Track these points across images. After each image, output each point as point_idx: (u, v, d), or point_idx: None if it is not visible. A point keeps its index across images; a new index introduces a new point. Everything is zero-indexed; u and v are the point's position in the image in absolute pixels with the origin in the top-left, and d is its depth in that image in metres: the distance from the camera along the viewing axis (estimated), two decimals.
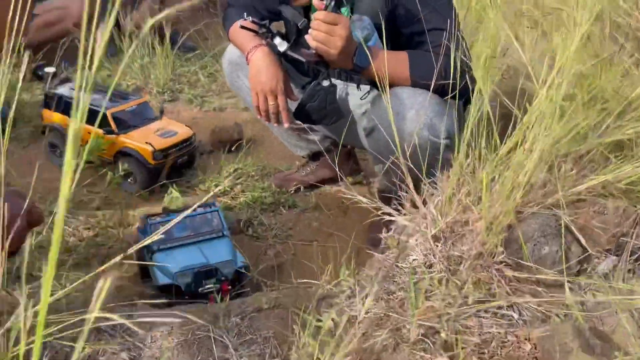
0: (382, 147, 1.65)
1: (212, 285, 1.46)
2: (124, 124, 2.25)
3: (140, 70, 3.25)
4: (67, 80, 2.82)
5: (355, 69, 1.58)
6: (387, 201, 2.01)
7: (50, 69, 2.95)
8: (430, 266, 1.16)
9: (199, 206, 1.73)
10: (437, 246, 1.18)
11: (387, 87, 1.41)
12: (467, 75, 1.54)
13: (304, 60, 1.51)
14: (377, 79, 1.62)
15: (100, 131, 2.19)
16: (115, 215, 2.01)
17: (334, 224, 2.10)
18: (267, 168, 2.43)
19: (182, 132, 2.29)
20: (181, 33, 3.43)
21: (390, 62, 1.53)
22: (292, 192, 2.25)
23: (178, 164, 2.26)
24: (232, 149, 2.57)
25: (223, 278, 1.48)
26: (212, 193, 2.22)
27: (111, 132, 2.20)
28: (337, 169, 2.25)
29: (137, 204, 2.14)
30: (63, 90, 2.39)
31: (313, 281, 1.20)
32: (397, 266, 1.19)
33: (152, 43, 3.26)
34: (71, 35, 3.16)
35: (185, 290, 1.47)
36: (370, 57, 1.55)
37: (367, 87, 1.84)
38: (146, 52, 3.28)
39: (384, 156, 1.69)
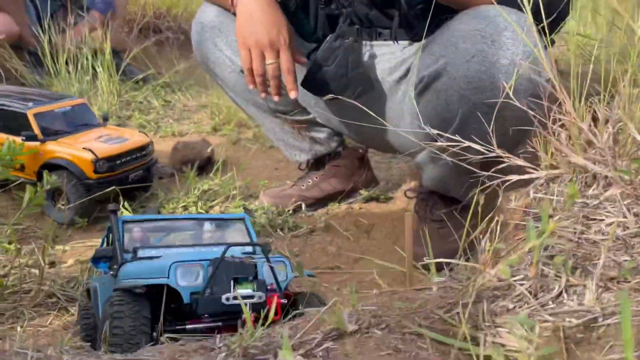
0: (452, 101, 1.10)
1: (249, 292, 0.75)
2: (53, 130, 1.62)
3: (78, 95, 2.64)
4: None
5: None
6: (443, 201, 1.45)
7: None
8: None
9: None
10: None
11: None
12: None
13: None
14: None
15: (18, 138, 1.55)
16: (36, 251, 1.34)
17: (357, 247, 1.50)
18: (251, 188, 1.82)
19: (135, 139, 1.68)
20: (125, 56, 2.88)
21: None
22: (290, 212, 1.65)
23: (130, 182, 1.63)
24: (201, 168, 1.97)
25: (271, 286, 0.77)
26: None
27: (33, 138, 1.57)
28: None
29: (69, 237, 1.48)
30: None
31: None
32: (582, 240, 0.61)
33: (92, 65, 2.68)
34: None
35: (195, 305, 0.75)
36: None
37: (406, 43, 1.32)
38: (86, 74, 2.69)
39: (450, 118, 1.14)
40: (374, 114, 1.37)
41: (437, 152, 1.24)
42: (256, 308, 0.72)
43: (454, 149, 0.88)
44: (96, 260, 0.94)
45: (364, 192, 1.74)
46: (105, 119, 1.78)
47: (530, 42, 1.03)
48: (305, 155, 1.67)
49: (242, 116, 2.58)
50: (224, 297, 0.73)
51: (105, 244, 0.98)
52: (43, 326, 1.06)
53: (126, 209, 1.46)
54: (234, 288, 0.74)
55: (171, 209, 1.62)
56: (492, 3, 1.04)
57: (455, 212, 1.40)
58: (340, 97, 1.32)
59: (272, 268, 0.78)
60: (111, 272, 0.87)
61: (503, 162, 0.79)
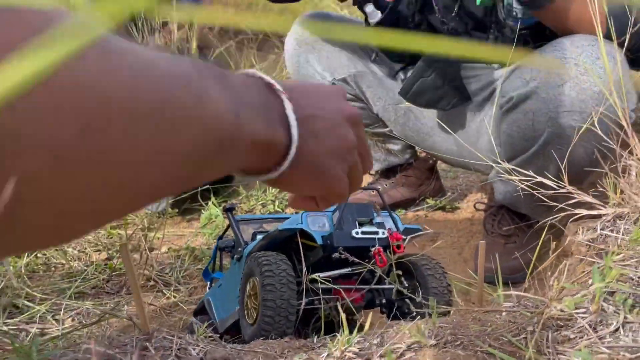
0: (539, 122, 1.17)
1: (374, 229, 0.85)
2: None
3: None
4: None
5: (533, 2, 1.13)
6: (512, 216, 1.52)
7: None
8: None
9: None
10: None
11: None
12: None
13: None
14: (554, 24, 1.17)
15: None
16: (134, 237, 1.51)
17: None
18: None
19: None
20: (210, 54, 3.06)
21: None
22: None
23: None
24: None
25: (388, 230, 0.87)
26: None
27: None
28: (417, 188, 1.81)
29: (161, 226, 1.64)
30: None
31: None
32: None
33: None
34: None
35: (329, 241, 0.83)
36: None
37: (495, 65, 1.39)
38: None
39: (533, 138, 1.20)
40: (466, 128, 1.45)
41: (511, 171, 1.32)
42: (380, 244, 0.84)
43: (528, 174, 0.95)
44: (205, 274, 1.08)
45: (431, 201, 1.82)
46: None
47: (620, 73, 1.08)
48: (379, 165, 1.77)
49: None
50: (353, 232, 0.84)
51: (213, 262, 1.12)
52: (149, 304, 1.22)
53: (214, 204, 1.61)
54: (358, 228, 0.85)
55: (251, 205, 1.76)
56: (593, 28, 1.10)
57: (524, 229, 1.46)
58: (433, 108, 1.40)
59: (390, 213, 0.90)
60: (236, 256, 0.99)
61: (573, 193, 0.86)
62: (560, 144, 1.16)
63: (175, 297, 1.30)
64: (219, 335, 0.91)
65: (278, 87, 0.40)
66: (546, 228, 0.95)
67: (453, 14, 1.29)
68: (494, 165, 1.30)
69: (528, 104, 1.19)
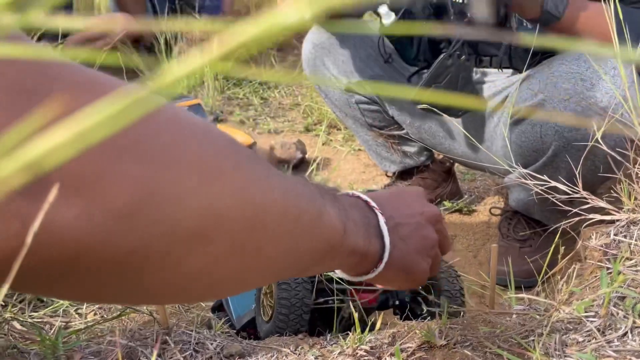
0: (546, 134, 1.18)
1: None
2: None
3: (187, 89, 2.89)
4: None
5: (544, 18, 1.13)
6: (527, 222, 1.52)
7: None
8: None
9: None
10: None
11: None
12: None
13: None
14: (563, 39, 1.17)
15: None
16: None
17: None
18: (340, 190, 1.95)
19: (240, 139, 1.86)
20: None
21: (594, 13, 1.08)
22: None
23: None
24: (295, 169, 2.12)
25: None
26: None
27: None
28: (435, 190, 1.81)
29: None
30: None
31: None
32: None
33: None
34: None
35: None
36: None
37: (509, 72, 1.40)
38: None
39: (542, 150, 1.21)
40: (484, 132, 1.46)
41: (526, 176, 1.32)
42: None
43: (542, 179, 0.95)
44: None
45: (447, 204, 1.83)
46: (216, 118, 1.97)
47: (627, 88, 1.08)
48: (395, 167, 1.78)
49: (332, 118, 2.73)
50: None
51: None
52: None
53: None
54: None
55: None
56: (605, 36, 1.10)
57: (540, 233, 1.46)
58: (446, 114, 1.41)
59: None
60: None
61: (587, 198, 0.87)
62: (568, 157, 1.16)
63: None
64: (235, 331, 0.93)
65: (373, 204, 0.52)
66: (559, 233, 0.95)
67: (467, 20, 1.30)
68: (510, 169, 1.31)
69: (535, 116, 1.20)
